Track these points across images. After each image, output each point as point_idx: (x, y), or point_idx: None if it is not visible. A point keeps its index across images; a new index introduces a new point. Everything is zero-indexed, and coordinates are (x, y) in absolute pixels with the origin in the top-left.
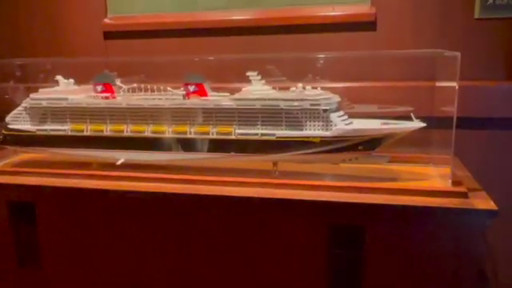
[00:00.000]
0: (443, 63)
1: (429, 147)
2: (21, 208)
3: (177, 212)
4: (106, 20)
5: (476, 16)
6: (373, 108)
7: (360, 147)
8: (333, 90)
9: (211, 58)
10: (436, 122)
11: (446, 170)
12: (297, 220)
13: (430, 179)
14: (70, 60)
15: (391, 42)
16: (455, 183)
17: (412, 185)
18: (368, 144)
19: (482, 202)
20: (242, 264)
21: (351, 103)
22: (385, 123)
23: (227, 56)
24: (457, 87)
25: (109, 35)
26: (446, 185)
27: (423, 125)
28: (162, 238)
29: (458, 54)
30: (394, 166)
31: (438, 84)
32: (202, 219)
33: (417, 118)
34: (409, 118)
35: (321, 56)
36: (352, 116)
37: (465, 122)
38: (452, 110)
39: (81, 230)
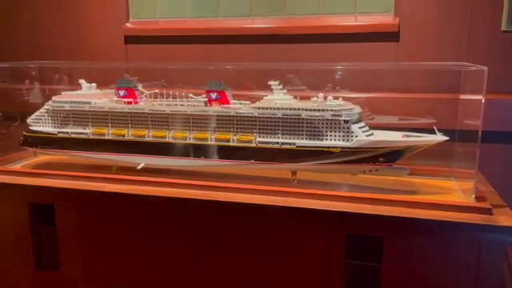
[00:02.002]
0: (468, 75)
1: (451, 160)
2: (41, 210)
3: (195, 218)
4: (128, 24)
5: (503, 28)
6: (394, 119)
7: (380, 159)
8: (354, 101)
9: (230, 66)
10: (459, 135)
11: (469, 185)
12: (314, 229)
13: (452, 193)
14: (90, 64)
15: (414, 54)
16: (479, 198)
17: (433, 198)
18: (389, 156)
19: (507, 218)
20: (257, 273)
21: (372, 114)
22: (406, 135)
23: (248, 64)
24: (483, 101)
25: (130, 40)
26: (469, 200)
27: (445, 138)
28: (179, 244)
29: (485, 68)
30: (415, 179)
31: (463, 97)
32: (219, 226)
33: (440, 130)
34: (431, 131)
35: (341, 67)
36: (373, 127)
37: (489, 136)
38: (476, 123)
39: (99, 233)
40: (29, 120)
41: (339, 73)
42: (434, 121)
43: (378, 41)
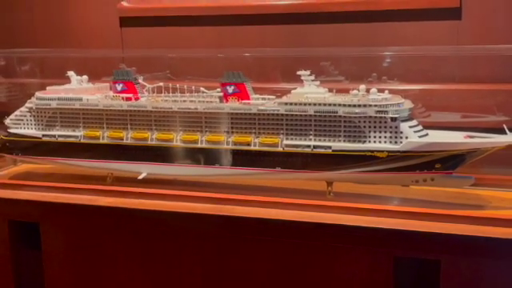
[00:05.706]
0: None
1: None
2: (23, 228)
3: (208, 237)
4: (124, 3)
5: None
6: (455, 117)
7: (437, 165)
8: (404, 94)
9: (250, 53)
10: None
11: None
12: (357, 251)
13: None
14: (79, 52)
15: (479, 34)
16: None
17: (503, 214)
18: (447, 162)
19: None
20: None
21: (427, 110)
22: (469, 136)
23: (272, 51)
24: None
25: (126, 22)
26: None
27: None
28: (189, 269)
29: None
30: (481, 191)
31: None
32: (238, 247)
33: (511, 130)
34: (501, 131)
35: (389, 53)
36: (428, 126)
37: None
38: None
39: (93, 257)
40: (7, 121)
41: (387, 60)
42: (505, 118)
43: (435, 19)
